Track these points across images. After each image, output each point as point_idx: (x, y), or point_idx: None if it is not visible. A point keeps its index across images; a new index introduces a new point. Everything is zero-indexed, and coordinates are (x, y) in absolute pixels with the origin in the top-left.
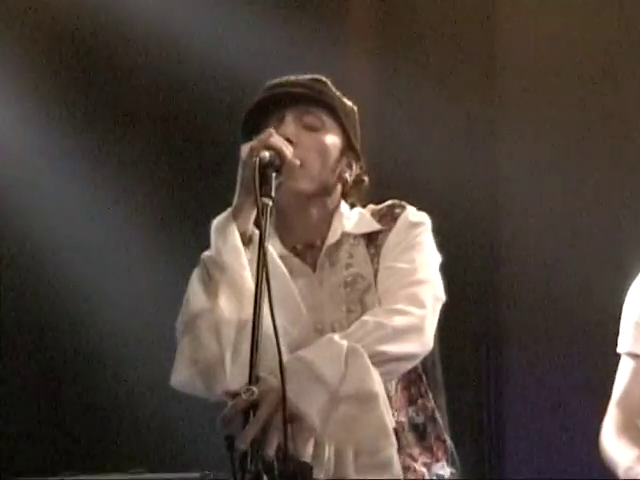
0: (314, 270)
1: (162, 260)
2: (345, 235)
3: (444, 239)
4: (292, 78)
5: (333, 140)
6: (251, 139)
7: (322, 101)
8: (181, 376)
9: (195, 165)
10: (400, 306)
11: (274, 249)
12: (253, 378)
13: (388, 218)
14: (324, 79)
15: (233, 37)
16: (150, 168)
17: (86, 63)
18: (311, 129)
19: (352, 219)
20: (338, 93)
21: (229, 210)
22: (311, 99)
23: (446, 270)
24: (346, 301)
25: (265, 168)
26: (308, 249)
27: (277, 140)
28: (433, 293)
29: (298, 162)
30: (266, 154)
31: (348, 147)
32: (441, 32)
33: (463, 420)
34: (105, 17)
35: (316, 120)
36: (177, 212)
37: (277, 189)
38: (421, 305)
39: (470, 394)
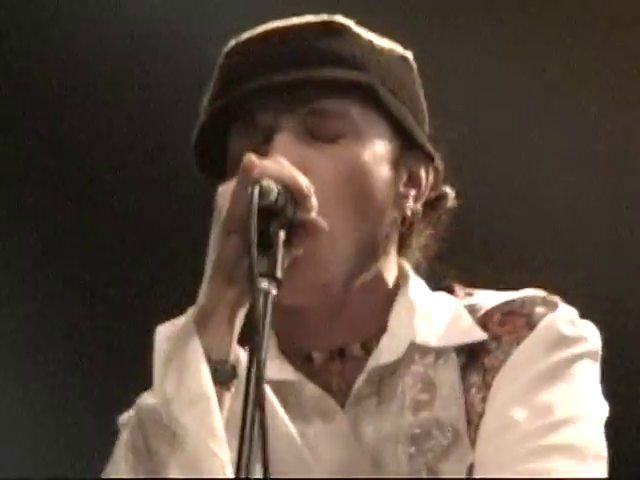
0: (343, 404)
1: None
2: (416, 348)
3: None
4: (270, 33)
5: (373, 150)
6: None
7: (342, 79)
8: None
9: None
10: None
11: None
12: None
13: (520, 321)
14: (340, 21)
15: None
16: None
17: None
18: (325, 140)
19: (433, 313)
20: (368, 37)
21: (187, 315)
22: (319, 83)
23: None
24: (408, 472)
25: (269, 216)
26: (334, 361)
27: (290, 169)
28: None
29: (326, 225)
30: (272, 186)
31: (407, 146)
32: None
33: None
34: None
35: (331, 121)
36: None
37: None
38: None
39: None
